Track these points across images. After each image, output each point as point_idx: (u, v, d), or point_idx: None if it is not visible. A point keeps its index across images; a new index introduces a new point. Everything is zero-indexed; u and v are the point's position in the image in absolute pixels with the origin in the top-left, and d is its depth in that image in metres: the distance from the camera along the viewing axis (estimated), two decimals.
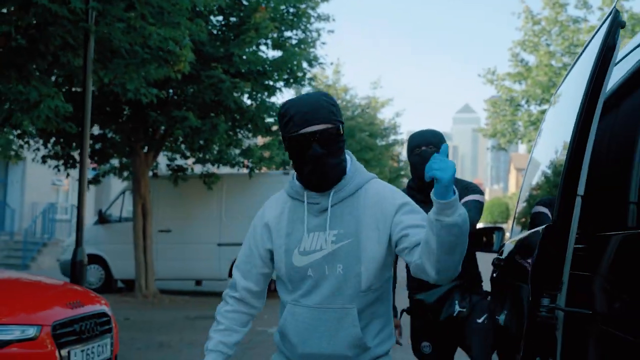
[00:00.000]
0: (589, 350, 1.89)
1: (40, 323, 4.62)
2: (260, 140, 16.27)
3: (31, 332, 4.55)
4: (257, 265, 2.34)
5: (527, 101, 19.16)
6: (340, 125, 2.19)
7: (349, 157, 2.30)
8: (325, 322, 2.19)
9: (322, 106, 2.16)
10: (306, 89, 16.65)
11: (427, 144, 3.40)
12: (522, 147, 23.48)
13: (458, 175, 5.81)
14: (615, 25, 2.00)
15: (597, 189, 2.10)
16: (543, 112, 18.87)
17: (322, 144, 2.14)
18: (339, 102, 30.71)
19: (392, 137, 33.36)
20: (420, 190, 3.41)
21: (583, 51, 2.48)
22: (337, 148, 2.19)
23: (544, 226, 2.05)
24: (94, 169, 14.97)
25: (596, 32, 2.23)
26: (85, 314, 5.07)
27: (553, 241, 1.96)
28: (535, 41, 19.48)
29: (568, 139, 2.07)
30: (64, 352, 4.68)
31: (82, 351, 4.89)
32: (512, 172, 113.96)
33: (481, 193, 3.48)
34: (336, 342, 2.19)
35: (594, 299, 1.87)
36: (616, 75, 2.21)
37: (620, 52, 2.18)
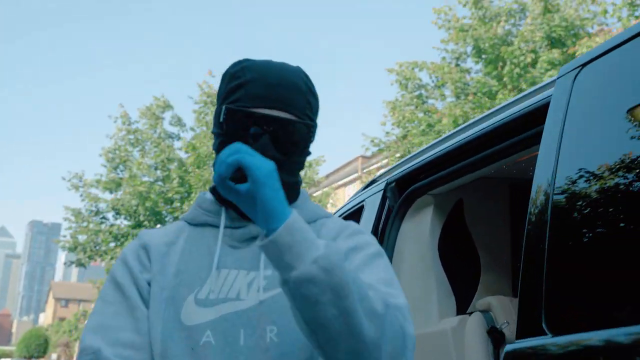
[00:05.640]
0: None
1: None
2: None
3: None
4: (135, 307, 1.32)
5: (118, 212, 17.35)
6: (314, 128, 1.42)
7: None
8: None
9: (299, 87, 1.39)
10: None
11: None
12: (101, 266, 21.04)
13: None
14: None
15: None
16: (133, 226, 17.29)
17: (280, 144, 1.35)
18: None
19: None
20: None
21: None
22: (300, 159, 1.41)
23: None
24: None
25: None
26: None
27: None
28: (129, 150, 18.16)
29: None
30: None
31: None
32: (50, 302, 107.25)
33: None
34: None
35: None
36: None
37: None
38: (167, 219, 18.11)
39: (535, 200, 1.81)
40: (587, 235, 1.65)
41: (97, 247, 18.06)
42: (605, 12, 10.79)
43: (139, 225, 17.41)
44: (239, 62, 1.42)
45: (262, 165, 1.09)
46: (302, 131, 1.37)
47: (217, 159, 1.10)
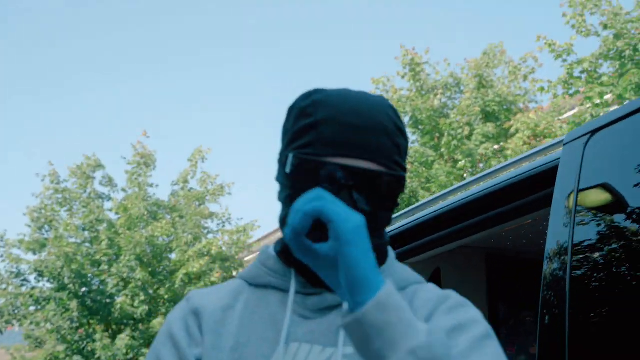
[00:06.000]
0: None
1: None
2: None
3: None
4: None
5: (41, 274, 16.44)
6: (405, 178, 1.10)
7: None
8: None
9: (385, 127, 1.08)
10: None
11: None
12: (16, 331, 19.64)
13: None
14: None
15: None
16: (57, 289, 16.42)
17: (366, 201, 1.04)
18: None
19: None
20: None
21: None
22: (388, 214, 1.10)
23: None
24: None
25: None
26: None
27: None
28: (56, 210, 17.43)
29: None
30: None
31: None
32: None
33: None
34: None
35: None
36: None
37: None
38: (93, 282, 17.33)
39: (549, 275, 1.70)
40: (614, 308, 1.54)
41: (16, 311, 17.05)
42: (542, 89, 11.18)
43: (62, 288, 16.56)
44: (309, 93, 1.12)
45: (349, 218, 0.84)
46: (391, 184, 1.07)
47: (292, 208, 0.87)
